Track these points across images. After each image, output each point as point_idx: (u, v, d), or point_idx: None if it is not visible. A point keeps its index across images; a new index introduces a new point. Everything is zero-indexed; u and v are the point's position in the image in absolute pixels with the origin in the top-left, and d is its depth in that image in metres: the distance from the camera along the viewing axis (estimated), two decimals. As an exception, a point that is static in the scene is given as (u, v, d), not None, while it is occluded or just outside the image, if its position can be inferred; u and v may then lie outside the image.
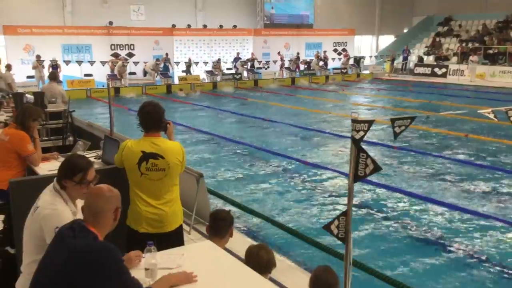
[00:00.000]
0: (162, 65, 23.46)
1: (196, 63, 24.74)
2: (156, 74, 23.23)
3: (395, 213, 6.84)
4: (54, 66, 20.59)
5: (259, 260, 3.17)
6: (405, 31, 35.24)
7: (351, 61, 29.10)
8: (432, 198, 7.33)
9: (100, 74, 21.67)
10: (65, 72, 21.26)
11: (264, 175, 8.74)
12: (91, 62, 22.03)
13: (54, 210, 2.75)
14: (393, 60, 28.94)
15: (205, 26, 27.15)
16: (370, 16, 34.51)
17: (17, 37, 21.03)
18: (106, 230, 2.45)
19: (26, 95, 8.09)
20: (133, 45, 23.90)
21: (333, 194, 7.70)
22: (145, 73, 23.45)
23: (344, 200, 6.77)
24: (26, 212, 2.93)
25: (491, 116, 3.39)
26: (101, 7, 24.64)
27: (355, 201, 7.12)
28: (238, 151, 10.63)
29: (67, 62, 21.43)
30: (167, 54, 23.94)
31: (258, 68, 26.55)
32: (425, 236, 6.10)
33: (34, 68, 20.23)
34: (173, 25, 25.66)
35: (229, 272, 2.74)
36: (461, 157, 9.83)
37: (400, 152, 10.25)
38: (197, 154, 10.27)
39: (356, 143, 2.80)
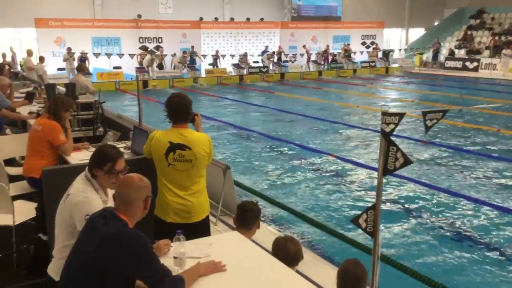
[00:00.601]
0: (188, 58, 23.60)
1: (223, 56, 24.80)
2: (183, 67, 23.40)
3: (424, 208, 6.73)
4: (83, 58, 20.98)
5: (286, 252, 3.17)
6: (435, 24, 34.49)
7: (380, 55, 28.67)
8: (462, 193, 7.18)
9: (129, 67, 21.97)
10: (94, 64, 21.67)
11: (290, 168, 8.72)
12: (120, 55, 22.35)
13: (85, 198, 2.81)
14: (436, 53, 28.05)
15: (232, 19, 27.17)
16: (400, 9, 33.88)
17: (49, 30, 21.48)
18: (136, 218, 2.49)
19: (58, 86, 8.26)
20: (161, 38, 24.13)
21: (361, 187, 7.62)
22: (173, 65, 23.64)
23: (373, 193, 6.71)
24: (58, 200, 3.00)
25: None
26: (130, 0, 24.94)
27: (384, 195, 7.02)
28: (264, 144, 10.63)
29: (96, 55, 21.81)
30: (193, 47, 24.07)
31: (284, 61, 26.44)
32: (454, 232, 5.98)
33: (65, 60, 20.66)
34: (201, 18, 25.78)
35: (257, 263, 2.75)
36: (492, 152, 9.59)
37: (429, 146, 10.06)
38: (224, 146, 10.31)
39: (386, 136, 2.76)
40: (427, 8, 34.32)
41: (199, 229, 3.57)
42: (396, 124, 2.77)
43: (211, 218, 4.66)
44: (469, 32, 30.50)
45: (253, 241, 3.41)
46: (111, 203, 2.61)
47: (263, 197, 6.69)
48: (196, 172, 3.61)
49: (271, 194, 7.13)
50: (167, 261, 2.57)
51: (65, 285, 2.38)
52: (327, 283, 3.65)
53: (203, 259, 2.66)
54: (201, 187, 3.69)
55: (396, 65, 28.46)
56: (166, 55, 23.37)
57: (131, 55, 22.36)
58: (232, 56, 24.98)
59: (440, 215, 6.49)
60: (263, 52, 26.04)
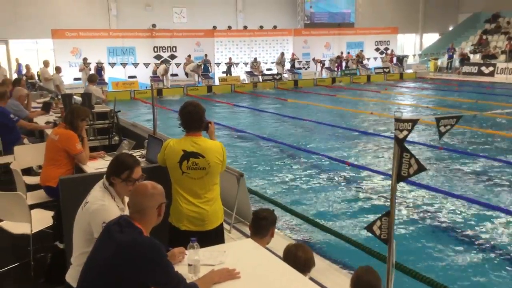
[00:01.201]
0: (202, 66, 23.77)
1: (236, 64, 24.94)
2: (197, 75, 23.55)
3: (439, 215, 6.66)
4: (99, 68, 21.27)
5: (297, 259, 3.17)
6: (450, 28, 34.21)
7: (394, 60, 28.52)
8: (478, 200, 7.09)
9: (143, 76, 22.20)
10: (110, 74, 21.93)
11: (304, 175, 8.70)
12: (135, 64, 22.60)
13: (102, 205, 2.85)
14: (464, 59, 27.51)
15: (245, 27, 27.32)
16: (414, 14, 33.71)
17: (65, 41, 21.83)
18: (151, 225, 2.52)
19: (74, 96, 8.39)
20: (175, 47, 24.36)
21: (375, 194, 7.57)
22: (186, 74, 23.81)
23: (387, 200, 6.67)
24: (75, 208, 3.04)
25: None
26: (144, 10, 25.26)
27: (398, 201, 6.98)
28: (278, 151, 10.64)
29: (112, 65, 22.08)
30: (206, 56, 24.24)
31: (298, 68, 26.47)
32: (470, 239, 5.90)
33: (81, 70, 20.96)
34: (214, 27, 25.98)
35: (271, 270, 2.75)
36: (509, 158, 9.46)
37: (445, 152, 9.97)
38: (238, 153, 10.34)
39: (399, 143, 2.76)
40: (441, 13, 34.09)
41: (213, 237, 3.59)
42: (410, 131, 2.76)
43: (225, 226, 4.67)
44: (484, 37, 30.20)
45: (267, 248, 3.42)
46: (127, 211, 2.65)
47: (276, 204, 6.69)
48: (210, 180, 3.63)
49: (285, 201, 7.12)
50: (181, 268, 2.59)
51: (82, 292, 2.41)
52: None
53: (217, 267, 2.68)
54: (215, 195, 3.71)
55: (410, 71, 28.28)
56: (180, 63, 23.59)
57: (146, 64, 22.60)
58: (246, 64, 25.11)
59: (456, 222, 6.41)
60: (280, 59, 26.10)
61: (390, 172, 2.80)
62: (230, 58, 25.05)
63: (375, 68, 27.57)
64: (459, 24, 33.87)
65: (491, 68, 25.94)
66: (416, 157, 2.74)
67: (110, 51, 22.92)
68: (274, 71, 25.77)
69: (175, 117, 3.95)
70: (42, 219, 4.53)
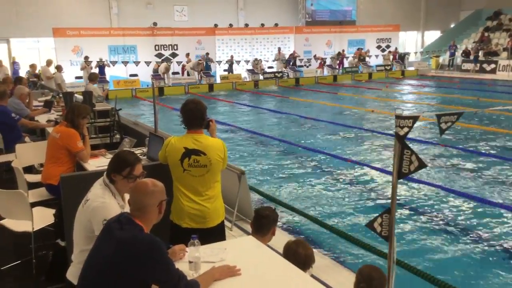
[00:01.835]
0: (204, 64, 23.74)
1: (238, 62, 24.93)
2: (197, 73, 23.52)
3: (440, 212, 6.66)
4: (101, 66, 21.28)
5: (297, 256, 3.17)
6: (452, 26, 34.13)
7: (396, 57, 28.47)
8: (479, 197, 7.09)
9: (145, 74, 22.21)
10: (111, 72, 21.95)
11: (305, 172, 8.70)
12: (136, 63, 22.61)
13: (103, 203, 2.85)
14: (477, 56, 26.84)
15: (246, 25, 27.30)
16: (415, 11, 33.63)
17: (66, 39, 21.85)
18: (152, 223, 2.52)
19: (76, 94, 8.40)
20: (177, 45, 24.35)
21: (376, 191, 7.57)
22: (187, 72, 23.75)
23: (388, 197, 6.66)
24: (76, 206, 3.04)
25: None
26: (145, 8, 25.25)
27: (399, 198, 6.98)
28: (279, 149, 10.64)
29: (113, 63, 22.08)
30: (207, 54, 24.22)
31: (299, 66, 26.45)
32: (471, 236, 5.90)
33: (82, 69, 20.97)
34: (215, 25, 25.97)
35: (272, 267, 2.76)
36: (510, 155, 9.44)
37: (446, 149, 9.95)
38: (239, 151, 10.35)
39: (400, 140, 2.76)
40: (442, 11, 34.01)
41: (214, 234, 3.59)
42: (410, 127, 2.76)
43: (227, 223, 4.67)
44: (486, 34, 30.13)
45: (268, 246, 3.42)
46: (127, 208, 2.65)
47: (277, 201, 6.70)
48: (211, 177, 3.63)
49: (286, 199, 7.13)
50: (182, 265, 2.60)
51: (83, 290, 2.42)
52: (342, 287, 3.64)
53: (218, 264, 2.68)
54: (216, 192, 3.71)
55: (412, 68, 28.23)
56: (181, 62, 23.58)
57: (147, 63, 22.60)
58: (247, 62, 25.10)
59: (456, 219, 6.41)
60: (290, 58, 26.08)
61: (391, 169, 2.80)
62: (231, 56, 25.04)
63: (377, 66, 27.54)
64: (460, 22, 33.77)
65: (492, 66, 25.88)
66: (417, 154, 2.74)
67: (111, 50, 22.92)
68: (276, 69, 25.76)
69: (176, 115, 3.95)
70: (44, 217, 4.54)
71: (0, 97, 6.92)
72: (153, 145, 4.91)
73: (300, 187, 7.89)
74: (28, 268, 4.40)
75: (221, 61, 24.67)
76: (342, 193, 7.54)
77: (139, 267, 2.27)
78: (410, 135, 2.68)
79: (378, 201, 7.14)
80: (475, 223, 6.27)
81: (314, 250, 3.43)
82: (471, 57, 27.16)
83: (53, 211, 4.65)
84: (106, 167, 3.09)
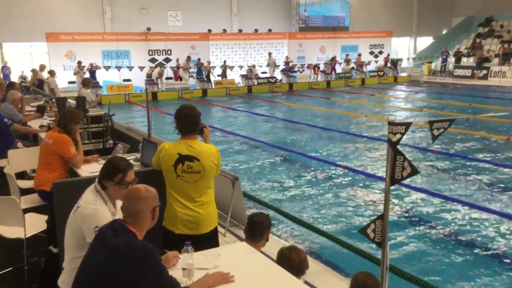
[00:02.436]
0: (193, 65, 23.71)
1: (231, 67, 24.97)
2: (188, 74, 23.42)
3: (433, 218, 6.68)
4: (93, 71, 21.22)
5: (291, 262, 3.17)
6: (444, 32, 34.42)
7: (388, 64, 28.64)
8: (472, 202, 7.13)
9: (138, 79, 22.18)
10: (104, 77, 21.90)
11: (299, 178, 8.71)
12: (130, 68, 22.57)
13: (94, 210, 2.84)
14: (482, 61, 26.52)
15: (240, 30, 27.37)
16: (408, 18, 33.90)
17: (59, 44, 21.79)
18: (145, 229, 2.52)
19: (69, 99, 8.37)
20: (170, 50, 24.35)
21: (369, 197, 7.60)
22: (179, 77, 23.67)
23: (381, 203, 6.68)
24: (69, 212, 3.03)
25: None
26: (139, 13, 25.25)
27: (392, 204, 7.00)
28: (273, 154, 10.65)
29: (106, 68, 22.04)
30: (199, 59, 24.21)
31: (293, 71, 26.53)
32: (464, 242, 5.93)
33: (75, 73, 20.91)
34: (209, 30, 26.01)
35: (265, 273, 2.76)
36: (503, 161, 9.51)
37: (439, 155, 10.01)
38: (233, 157, 10.34)
39: (392, 146, 2.78)
40: (435, 17, 34.30)
41: (208, 240, 3.59)
42: (403, 134, 2.78)
43: (220, 229, 4.67)
44: (477, 40, 30.40)
45: (262, 252, 3.42)
46: (119, 215, 2.64)
47: (271, 207, 6.69)
48: (205, 183, 3.63)
49: (280, 205, 7.13)
50: (175, 272, 2.59)
51: (75, 297, 2.41)
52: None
53: (212, 270, 2.68)
54: (209, 198, 3.71)
55: (404, 74, 28.41)
56: (174, 67, 23.57)
57: (141, 68, 22.58)
58: (241, 67, 25.15)
59: (450, 225, 6.44)
60: (285, 65, 26.15)
61: (384, 175, 2.81)
62: (224, 61, 25.07)
63: (370, 72, 27.68)
64: (452, 28, 34.08)
65: (484, 72, 26.09)
66: (409, 160, 2.76)
67: (105, 54, 22.89)
68: (269, 74, 25.83)
69: (170, 120, 3.95)
70: (36, 224, 4.51)
71: (-8, 102, 6.88)
72: (146, 151, 4.91)
73: (294, 193, 7.90)
74: (20, 275, 4.37)
75: (215, 67, 24.69)
76: (336, 199, 7.56)
77: (132, 274, 2.26)
78: (403, 141, 2.70)
79: (372, 207, 7.16)
80: (468, 229, 6.30)
81: (307, 255, 3.43)
82: (472, 63, 26.99)
83: (45, 217, 4.62)
84: (99, 173, 3.09)
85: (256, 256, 3.01)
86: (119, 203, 2.88)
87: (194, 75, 23.76)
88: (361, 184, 8.30)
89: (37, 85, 17.03)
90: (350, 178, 8.67)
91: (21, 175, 6.27)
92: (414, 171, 2.76)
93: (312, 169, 9.35)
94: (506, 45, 27.44)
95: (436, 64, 29.29)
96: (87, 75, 20.42)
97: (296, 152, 10.53)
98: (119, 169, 2.99)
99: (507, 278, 5.03)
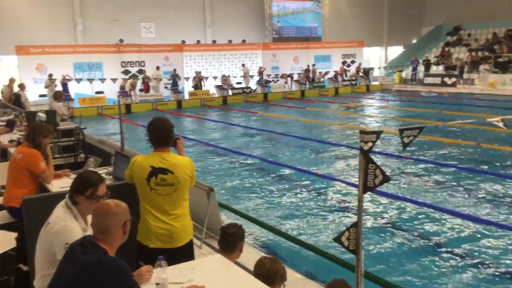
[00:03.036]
0: (162, 73, 23.59)
1: (206, 78, 24.95)
2: (158, 83, 23.30)
3: (407, 224, 6.77)
4: (65, 83, 20.88)
5: (268, 273, 3.16)
6: (413, 41, 35.23)
7: (360, 73, 29.13)
8: (443, 207, 7.25)
9: (111, 91, 21.92)
10: (76, 90, 21.58)
11: (275, 188, 8.72)
12: (102, 80, 22.30)
13: (65, 226, 2.78)
14: (462, 70, 26.45)
15: (214, 41, 27.41)
16: (378, 28, 34.57)
17: (30, 57, 21.38)
18: (117, 245, 2.47)
19: (39, 113, 8.21)
20: (144, 61, 24.17)
21: (344, 205, 7.66)
22: (153, 87, 23.47)
23: (355, 211, 6.74)
24: (39, 229, 2.96)
25: (501, 124, 3.37)
26: (111, 25, 25.01)
27: (366, 212, 7.07)
28: (249, 164, 10.64)
29: (78, 80, 21.72)
30: (175, 70, 24.14)
31: (267, 81, 26.69)
32: (437, 247, 6.02)
33: (46, 87, 20.53)
34: (183, 41, 25.96)
35: (241, 285, 2.74)
36: (472, 166, 9.73)
37: (410, 162, 10.17)
38: (208, 168, 10.29)
39: (364, 154, 2.81)
40: (404, 27, 35.08)
41: (183, 254, 3.54)
42: (374, 142, 2.82)
43: (196, 241, 4.63)
44: (446, 49, 31.21)
45: (238, 263, 3.40)
46: (90, 231, 2.59)
47: (247, 217, 6.68)
48: (179, 196, 3.60)
49: (256, 215, 7.11)
50: None
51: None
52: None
53: (186, 284, 2.65)
54: (184, 211, 3.67)
55: (376, 83, 28.91)
56: (144, 78, 23.38)
57: (113, 80, 22.33)
58: (215, 77, 25.16)
59: (423, 230, 6.53)
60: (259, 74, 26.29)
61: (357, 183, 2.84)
62: (199, 72, 25.00)
63: (343, 81, 28.08)
64: (422, 37, 34.94)
65: (453, 79, 26.75)
66: (382, 167, 2.80)
67: (77, 67, 22.55)
68: (244, 85, 25.92)
69: (144, 133, 3.91)
70: (5, 241, 4.37)
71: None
72: (119, 164, 4.84)
73: (269, 203, 7.90)
74: (-11, 295, 4.23)
75: (188, 78, 24.62)
76: (311, 208, 7.58)
77: (103, 291, 2.22)
78: (374, 148, 2.73)
79: (347, 215, 7.21)
80: (442, 234, 6.40)
81: (283, 265, 3.42)
82: (456, 72, 27.39)
83: (15, 234, 4.49)
84: (69, 188, 3.03)
85: (231, 268, 2.99)
86: (90, 218, 2.83)
87: (169, 86, 23.65)
88: (335, 192, 8.37)
89: (14, 99, 16.59)
90: (325, 186, 8.73)
91: (-10, 192, 6.09)
92: (386, 179, 2.79)
93: (288, 178, 9.38)
94: (473, 53, 28.23)
95: (407, 73, 29.90)
96: (59, 87, 20.10)
97: (272, 162, 10.56)
98: (90, 183, 2.93)
99: (480, 281, 5.12)
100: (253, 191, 8.58)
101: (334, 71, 28.62)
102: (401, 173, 9.36)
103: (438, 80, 27.42)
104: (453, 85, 26.31)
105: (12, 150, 6.18)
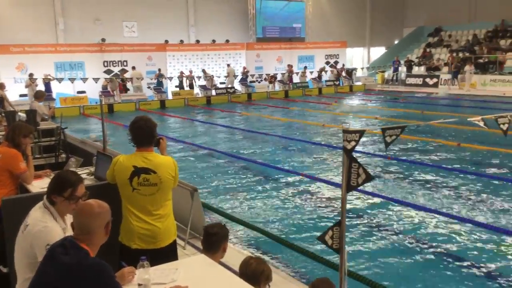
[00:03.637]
0: (142, 73, 23.46)
1: (188, 77, 24.82)
2: (139, 83, 23.14)
3: (390, 223, 6.83)
4: (47, 83, 20.58)
5: (254, 273, 3.15)
6: (395, 42, 35.61)
7: (343, 73, 29.33)
8: (425, 206, 7.33)
9: (93, 91, 21.67)
10: (57, 89, 21.29)
11: (259, 188, 8.72)
12: (84, 79, 22.02)
13: (45, 227, 2.73)
14: (457, 71, 25.53)
15: (197, 41, 27.30)
16: (361, 29, 34.87)
17: (10, 56, 21.03)
18: (99, 245, 2.44)
19: (19, 113, 8.08)
20: (126, 61, 23.96)
21: (327, 204, 7.69)
22: (135, 87, 23.29)
23: (338, 210, 6.78)
24: (19, 230, 2.90)
25: (481, 124, 3.41)
26: (93, 24, 24.74)
27: (349, 211, 7.11)
28: (233, 164, 10.62)
29: (59, 80, 21.43)
30: (159, 70, 23.98)
31: (251, 81, 26.69)
32: (419, 245, 6.08)
33: (27, 86, 20.21)
34: (166, 41, 25.79)
35: (224, 285, 2.73)
36: (454, 165, 9.86)
37: (393, 162, 10.27)
38: (191, 168, 10.24)
39: (347, 153, 2.82)
40: (387, 28, 35.43)
41: (166, 254, 3.51)
42: (357, 141, 2.83)
43: (180, 242, 4.60)
44: (428, 50, 31.59)
45: (222, 263, 3.38)
46: (70, 231, 2.55)
47: (231, 218, 6.66)
48: (162, 196, 3.57)
49: (240, 215, 7.10)
50: (131, 288, 2.52)
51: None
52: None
53: (169, 285, 2.62)
54: (167, 211, 3.64)
55: (359, 83, 29.13)
56: (131, 78, 23.20)
57: (95, 79, 22.07)
58: (199, 77, 25.06)
59: (406, 229, 6.59)
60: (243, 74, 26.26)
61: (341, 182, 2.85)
62: (182, 72, 24.89)
63: (326, 81, 28.25)
64: (404, 38, 35.33)
65: (435, 80, 27.09)
66: (365, 166, 2.81)
67: (58, 66, 22.25)
68: (227, 85, 25.87)
69: (127, 132, 3.87)
70: (-16, 243, 4.29)
71: None
72: (101, 164, 4.79)
73: (253, 202, 7.89)
74: (-34, 298, 4.14)
75: (172, 77, 24.48)
76: (294, 207, 7.60)
77: (85, 292, 2.18)
78: (358, 148, 2.74)
79: (330, 214, 7.24)
80: (425, 232, 6.47)
81: (269, 265, 3.42)
82: (423, 71, 27.41)
83: (-6, 236, 4.41)
84: (47, 188, 2.97)
85: (214, 268, 2.98)
86: (68, 218, 2.78)
87: (152, 86, 23.48)
88: (320, 192, 8.40)
89: None
90: (309, 185, 8.76)
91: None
92: (369, 177, 2.81)
93: (272, 177, 9.38)
94: (454, 54, 28.61)
95: (389, 73, 30.19)
96: (42, 87, 19.79)
97: (256, 162, 10.55)
98: (68, 183, 2.88)
99: (461, 279, 5.19)
100: (236, 190, 8.56)
101: (317, 71, 28.71)
102: (384, 173, 9.44)
103: (419, 81, 27.72)
104: (435, 85, 26.60)
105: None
